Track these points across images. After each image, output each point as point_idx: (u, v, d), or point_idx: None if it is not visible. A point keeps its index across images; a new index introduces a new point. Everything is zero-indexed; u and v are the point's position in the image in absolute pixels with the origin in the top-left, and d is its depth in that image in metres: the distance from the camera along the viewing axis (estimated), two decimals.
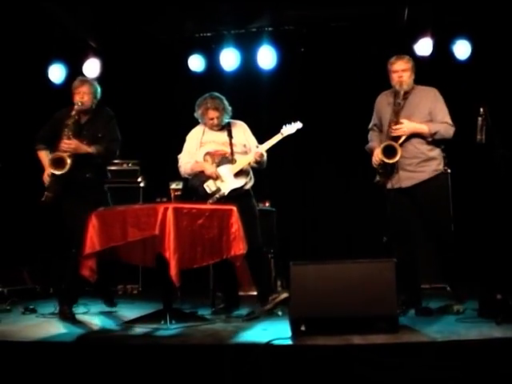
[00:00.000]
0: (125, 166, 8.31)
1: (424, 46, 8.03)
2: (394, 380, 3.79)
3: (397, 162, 5.48)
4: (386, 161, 5.48)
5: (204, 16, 8.39)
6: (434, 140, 5.51)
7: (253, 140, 6.17)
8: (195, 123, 6.28)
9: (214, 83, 7.84)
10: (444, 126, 5.50)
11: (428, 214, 5.53)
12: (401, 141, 5.49)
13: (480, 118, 5.15)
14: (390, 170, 5.56)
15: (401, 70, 5.61)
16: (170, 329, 4.97)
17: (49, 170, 5.76)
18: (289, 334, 4.46)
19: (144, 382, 4.03)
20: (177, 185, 5.42)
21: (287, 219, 8.38)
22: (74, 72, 8.66)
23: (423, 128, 5.49)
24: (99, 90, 6.08)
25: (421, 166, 5.52)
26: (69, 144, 5.71)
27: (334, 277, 4.56)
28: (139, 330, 4.99)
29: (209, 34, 8.83)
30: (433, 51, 8.05)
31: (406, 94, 5.61)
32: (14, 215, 8.48)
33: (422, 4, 7.83)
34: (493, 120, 5.19)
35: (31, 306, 6.25)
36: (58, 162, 5.70)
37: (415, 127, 5.50)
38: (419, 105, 5.59)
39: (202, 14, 8.29)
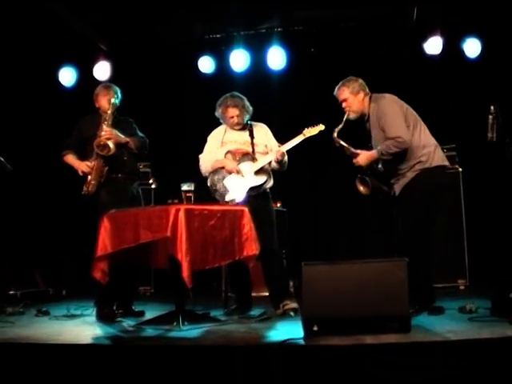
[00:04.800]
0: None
1: (434, 45, 8.03)
2: (407, 380, 3.78)
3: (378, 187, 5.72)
4: (364, 192, 5.76)
5: (213, 18, 8.41)
6: (395, 156, 5.44)
7: (274, 142, 6.14)
8: (206, 124, 6.29)
9: (224, 84, 7.84)
10: (387, 142, 5.41)
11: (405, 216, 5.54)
12: (364, 169, 5.67)
13: (491, 117, 5.13)
14: (386, 184, 5.72)
15: (342, 101, 5.71)
16: (182, 330, 4.97)
17: (85, 162, 5.99)
18: (301, 334, 4.45)
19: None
20: (188, 186, 5.43)
21: (299, 220, 8.40)
22: (85, 75, 8.73)
23: (374, 155, 5.56)
24: (119, 91, 6.27)
25: (403, 176, 5.50)
26: (109, 131, 5.94)
27: (345, 277, 4.55)
28: (152, 331, 5.00)
29: (218, 36, 8.85)
30: (443, 50, 8.04)
31: (367, 116, 5.68)
32: (26, 218, 8.52)
33: (431, 3, 7.82)
34: (504, 118, 5.17)
35: (44, 309, 6.26)
36: (102, 148, 5.90)
37: (367, 157, 5.61)
38: (374, 126, 5.61)
39: (211, 15, 8.32)
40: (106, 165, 5.96)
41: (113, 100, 6.08)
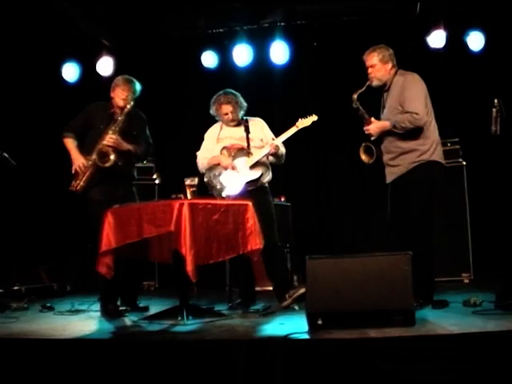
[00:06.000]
0: (140, 163, 8.30)
1: (437, 39, 8.00)
2: (412, 373, 3.78)
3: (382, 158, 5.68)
4: (366, 161, 5.70)
5: (216, 12, 8.40)
6: (405, 132, 5.44)
7: (270, 135, 6.18)
8: (209, 119, 6.29)
9: (227, 79, 7.84)
10: (403, 116, 5.41)
11: (407, 210, 5.50)
12: (372, 138, 5.65)
13: (494, 110, 5.13)
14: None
15: (369, 67, 5.66)
16: (186, 324, 4.99)
17: (82, 160, 5.90)
18: (305, 328, 4.45)
19: (162, 378, 4.04)
20: (192, 181, 5.43)
21: (303, 214, 8.38)
22: (88, 71, 8.72)
23: (386, 125, 5.53)
24: (139, 89, 6.21)
25: (398, 159, 5.53)
26: (115, 139, 5.87)
27: (350, 271, 4.55)
28: (156, 326, 5.01)
29: (221, 30, 8.83)
30: (446, 43, 8.01)
31: (388, 86, 5.67)
32: (29, 214, 8.53)
33: None
34: (507, 111, 5.16)
35: (48, 304, 6.29)
36: (102, 156, 5.86)
37: (379, 127, 5.58)
38: (393, 97, 5.59)
39: (214, 10, 8.31)
40: (100, 172, 5.90)
41: (128, 106, 6.01)
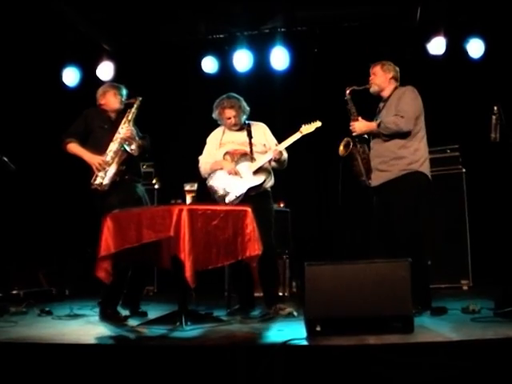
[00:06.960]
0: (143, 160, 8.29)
1: (437, 45, 8.03)
2: (410, 380, 3.77)
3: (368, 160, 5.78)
4: (341, 154, 5.86)
5: (217, 18, 8.42)
6: (389, 136, 5.51)
7: (272, 140, 6.16)
8: (209, 124, 6.29)
9: (227, 85, 7.84)
10: (390, 118, 5.51)
11: (391, 215, 5.53)
12: (354, 134, 5.77)
13: (494, 117, 5.15)
14: (365, 168, 5.79)
15: (372, 73, 5.83)
16: (185, 330, 4.97)
17: (99, 157, 5.87)
18: (304, 334, 4.45)
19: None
20: (191, 186, 5.43)
21: (302, 220, 8.39)
22: (88, 75, 8.72)
23: (372, 126, 5.65)
24: (126, 93, 6.27)
25: (388, 165, 5.56)
26: (131, 130, 5.96)
27: (348, 277, 4.55)
28: (155, 331, 4.99)
29: (222, 36, 8.86)
30: (446, 50, 8.03)
31: (386, 98, 5.75)
32: (29, 218, 8.53)
33: (435, 3, 7.82)
34: (507, 118, 5.17)
35: (47, 308, 6.27)
36: (129, 143, 5.95)
37: (366, 126, 5.71)
38: (391, 106, 5.65)
39: (214, 15, 8.33)
40: (124, 164, 5.93)
41: (138, 101, 6.12)
